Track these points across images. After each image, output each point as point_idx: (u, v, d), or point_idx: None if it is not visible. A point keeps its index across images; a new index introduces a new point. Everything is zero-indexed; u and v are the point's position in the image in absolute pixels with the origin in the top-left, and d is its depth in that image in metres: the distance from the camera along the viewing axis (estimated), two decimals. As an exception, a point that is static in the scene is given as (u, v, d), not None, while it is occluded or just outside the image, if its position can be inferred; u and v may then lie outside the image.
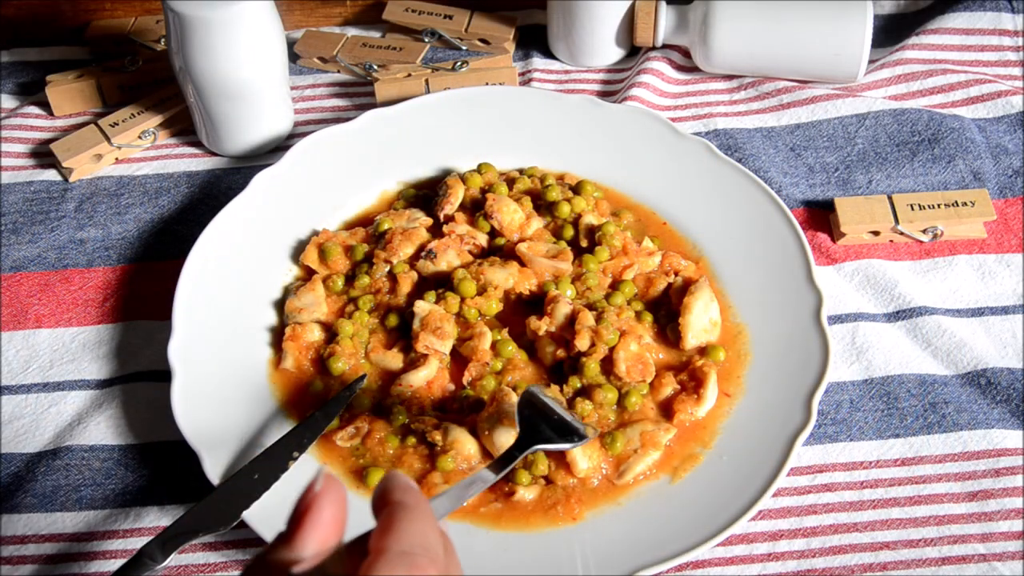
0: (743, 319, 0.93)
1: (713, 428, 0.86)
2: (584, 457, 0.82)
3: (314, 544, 0.50)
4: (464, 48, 1.22)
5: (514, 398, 0.85)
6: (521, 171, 1.05)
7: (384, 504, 0.52)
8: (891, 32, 1.23)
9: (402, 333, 0.92)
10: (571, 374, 0.88)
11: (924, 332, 0.94)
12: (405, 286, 0.94)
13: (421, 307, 0.90)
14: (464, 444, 0.84)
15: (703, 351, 0.90)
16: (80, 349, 0.96)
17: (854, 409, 0.90)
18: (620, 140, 1.06)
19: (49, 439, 0.90)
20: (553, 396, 0.84)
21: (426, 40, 1.22)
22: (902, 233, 1.00)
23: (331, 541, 0.51)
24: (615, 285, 0.94)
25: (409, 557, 0.49)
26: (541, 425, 0.80)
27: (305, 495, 0.51)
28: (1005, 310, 0.96)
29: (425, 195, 1.03)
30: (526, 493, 0.82)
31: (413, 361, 0.90)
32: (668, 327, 0.93)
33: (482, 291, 0.92)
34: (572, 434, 0.80)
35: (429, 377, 0.88)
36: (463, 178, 1.01)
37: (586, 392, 0.87)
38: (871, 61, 1.17)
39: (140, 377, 0.94)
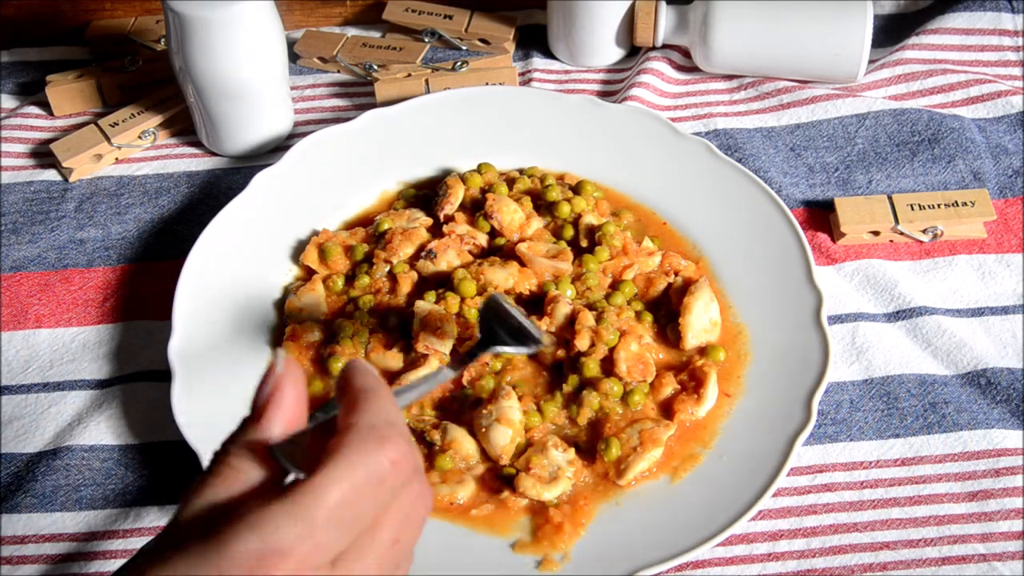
0: (743, 319, 0.93)
1: (713, 428, 0.86)
2: (502, 433, 0.83)
3: (281, 424, 0.52)
4: (464, 48, 1.22)
5: (514, 399, 0.85)
6: (521, 171, 1.05)
7: (347, 389, 0.54)
8: (891, 32, 1.23)
9: (402, 333, 0.92)
10: (571, 374, 0.88)
11: (924, 332, 0.94)
12: (405, 286, 0.94)
13: (421, 307, 0.90)
14: (462, 443, 0.84)
15: (703, 351, 0.90)
16: (80, 349, 0.96)
17: (854, 409, 0.90)
18: (620, 140, 1.06)
19: (49, 439, 0.90)
20: (515, 306, 0.85)
21: (426, 40, 1.22)
22: (902, 233, 1.00)
23: (296, 422, 0.53)
24: (615, 285, 0.94)
25: (378, 430, 0.52)
26: (500, 330, 0.81)
27: (266, 378, 0.53)
28: (1005, 310, 0.96)
29: (425, 195, 1.03)
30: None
31: (413, 361, 0.89)
32: (668, 327, 0.93)
33: (482, 291, 0.92)
34: (528, 340, 0.81)
35: (427, 378, 0.88)
36: (463, 178, 1.01)
37: (592, 383, 0.87)
38: (871, 61, 1.17)
39: (140, 377, 0.94)
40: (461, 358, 0.80)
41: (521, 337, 0.82)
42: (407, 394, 0.69)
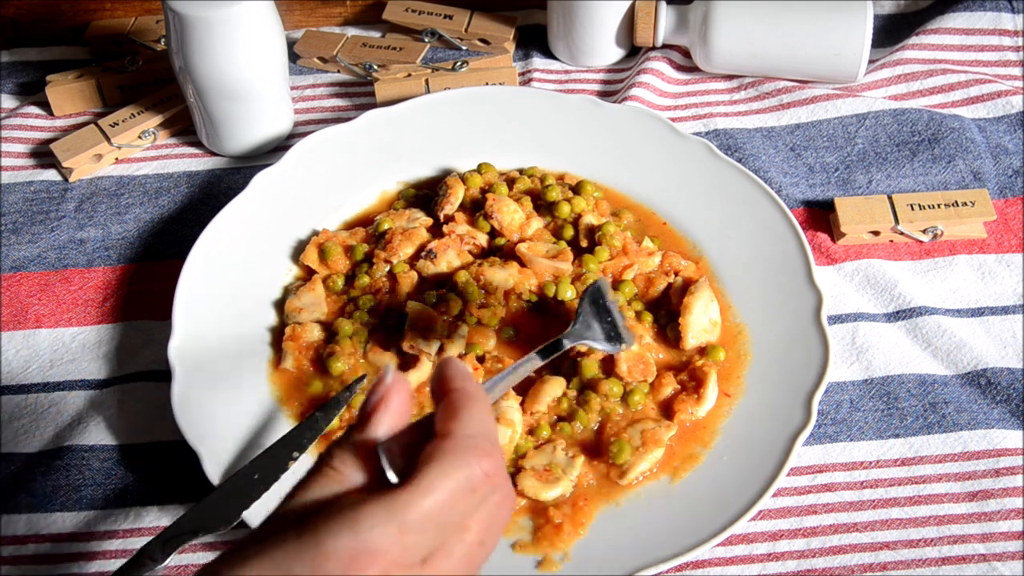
0: (743, 319, 0.93)
1: (713, 428, 0.86)
2: (502, 433, 0.83)
3: (386, 428, 0.56)
4: (464, 48, 1.22)
5: (514, 399, 0.85)
6: (521, 171, 1.05)
7: (445, 390, 0.57)
8: (891, 32, 1.23)
9: (401, 333, 0.92)
10: (571, 374, 0.88)
11: (924, 332, 0.94)
12: (405, 286, 0.94)
13: (413, 307, 0.90)
14: (464, 444, 0.83)
15: (703, 351, 0.90)
16: (80, 349, 0.96)
17: (854, 409, 0.90)
18: (620, 140, 1.06)
19: (49, 439, 0.90)
20: (615, 297, 0.88)
21: (426, 40, 1.22)
22: (902, 233, 1.00)
23: (399, 426, 0.56)
24: (615, 285, 0.94)
25: (474, 440, 0.54)
26: (595, 324, 0.84)
27: (376, 386, 0.56)
28: (1005, 310, 0.96)
29: (425, 195, 1.03)
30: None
31: (405, 362, 0.89)
32: (668, 327, 0.93)
33: (483, 290, 0.92)
34: (617, 339, 0.84)
35: (420, 380, 0.88)
36: (463, 178, 1.01)
37: (592, 384, 0.87)
38: (871, 61, 1.17)
39: (140, 377, 0.94)
40: (549, 347, 0.81)
41: (612, 334, 0.84)
42: (497, 386, 0.72)
